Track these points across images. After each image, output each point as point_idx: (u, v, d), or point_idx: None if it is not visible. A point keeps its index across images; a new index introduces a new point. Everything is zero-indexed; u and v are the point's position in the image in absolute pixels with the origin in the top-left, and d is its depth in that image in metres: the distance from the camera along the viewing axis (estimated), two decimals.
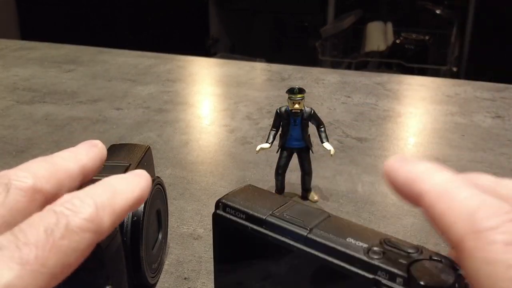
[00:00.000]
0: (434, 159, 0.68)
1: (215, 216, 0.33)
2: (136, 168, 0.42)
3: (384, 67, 1.94)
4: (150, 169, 0.46)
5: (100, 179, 0.39)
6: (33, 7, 2.51)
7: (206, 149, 0.71)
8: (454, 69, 1.96)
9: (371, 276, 0.26)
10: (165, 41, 2.35)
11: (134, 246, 0.39)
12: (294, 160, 0.55)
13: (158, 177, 0.43)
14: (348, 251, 0.27)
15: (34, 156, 0.70)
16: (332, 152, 0.52)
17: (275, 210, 0.31)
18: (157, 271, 0.43)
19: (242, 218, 0.31)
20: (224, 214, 0.33)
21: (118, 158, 0.42)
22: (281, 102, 0.88)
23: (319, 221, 0.29)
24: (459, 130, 0.78)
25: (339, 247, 0.27)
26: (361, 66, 1.98)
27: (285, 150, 0.54)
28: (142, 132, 0.76)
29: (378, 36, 1.98)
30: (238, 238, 0.32)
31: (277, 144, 0.55)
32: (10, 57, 1.17)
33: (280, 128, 0.54)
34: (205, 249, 0.48)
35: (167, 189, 0.46)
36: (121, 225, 0.38)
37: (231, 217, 0.32)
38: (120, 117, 0.82)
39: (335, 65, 2.01)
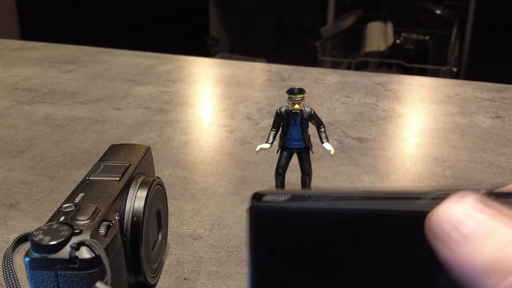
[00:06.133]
0: (434, 159, 0.68)
1: (253, 210, 0.26)
2: (136, 168, 0.42)
3: (384, 67, 1.94)
4: (150, 169, 0.46)
5: (99, 180, 0.39)
6: (33, 7, 2.51)
7: (206, 149, 0.71)
8: (454, 69, 1.96)
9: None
10: (165, 41, 2.35)
11: (134, 246, 0.39)
12: (294, 160, 0.55)
13: (158, 177, 0.43)
14: (409, 194, 0.24)
15: (34, 157, 0.70)
16: (332, 153, 0.52)
17: (313, 192, 0.27)
18: (157, 271, 0.43)
19: (286, 200, 0.25)
20: (264, 205, 0.26)
21: (118, 158, 0.42)
22: (281, 102, 0.88)
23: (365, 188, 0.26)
24: (459, 130, 0.78)
25: (400, 194, 0.24)
26: (361, 66, 1.98)
27: (285, 150, 0.54)
28: (142, 132, 0.76)
29: (378, 36, 1.98)
30: (282, 227, 0.26)
31: (277, 144, 0.55)
32: (10, 57, 1.17)
33: (280, 129, 0.54)
34: (205, 250, 0.48)
35: (167, 189, 0.46)
36: (121, 225, 0.38)
37: (272, 204, 0.26)
38: (120, 117, 0.82)
39: (335, 65, 2.01)
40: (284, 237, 0.25)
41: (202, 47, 2.53)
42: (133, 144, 0.46)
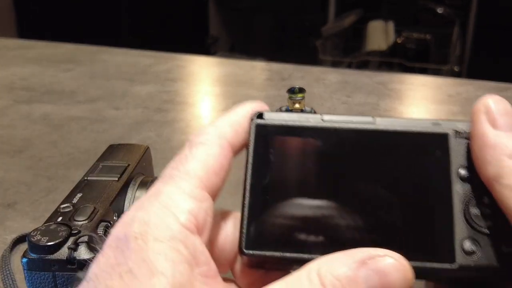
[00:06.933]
0: None
1: (256, 127, 0.28)
2: (135, 168, 0.41)
3: (385, 66, 1.94)
4: (149, 169, 0.45)
5: (97, 180, 0.38)
6: (31, 5, 2.51)
7: None
8: (456, 68, 1.96)
9: (450, 129, 0.26)
10: (164, 40, 2.35)
11: None
12: None
13: (157, 177, 0.43)
14: (421, 119, 0.27)
15: (32, 156, 0.69)
16: None
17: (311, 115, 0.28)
18: None
19: (292, 120, 0.27)
20: (266, 121, 0.28)
21: (116, 159, 0.42)
22: (281, 102, 0.87)
23: (372, 117, 0.28)
24: None
25: (411, 120, 0.27)
26: (362, 65, 1.98)
27: None
28: (141, 132, 0.75)
29: (379, 35, 1.98)
30: (285, 145, 0.27)
31: None
32: (8, 56, 1.17)
33: None
34: None
35: None
36: None
37: (277, 122, 0.28)
38: (119, 117, 0.81)
39: (335, 65, 2.01)
40: (282, 149, 0.27)
41: (201, 46, 2.53)
42: (132, 144, 0.45)
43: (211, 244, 0.26)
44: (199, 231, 0.23)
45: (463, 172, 0.26)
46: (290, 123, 0.27)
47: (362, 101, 0.89)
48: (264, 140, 0.27)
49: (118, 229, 0.23)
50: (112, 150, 0.44)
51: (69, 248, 0.30)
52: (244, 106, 0.28)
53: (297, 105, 0.51)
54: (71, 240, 0.31)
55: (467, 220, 0.25)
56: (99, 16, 2.47)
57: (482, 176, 0.24)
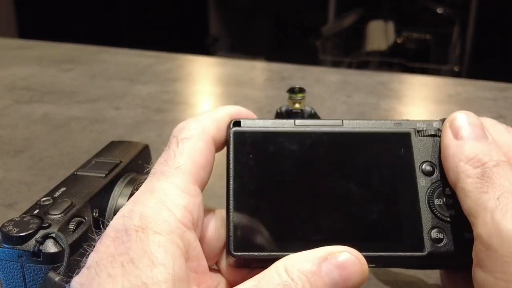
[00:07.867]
0: None
1: (234, 134, 0.30)
2: (127, 165, 0.41)
3: (385, 66, 1.94)
4: (146, 167, 0.45)
5: (85, 175, 0.38)
6: (31, 5, 2.51)
7: None
8: (456, 68, 1.96)
9: (411, 128, 0.29)
10: (164, 40, 2.34)
11: None
12: None
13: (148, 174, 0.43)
14: (384, 120, 0.29)
15: (33, 156, 0.69)
16: None
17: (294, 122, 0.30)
18: None
19: (267, 126, 0.30)
20: (243, 129, 0.30)
21: (112, 155, 0.42)
22: (281, 101, 0.87)
23: (341, 120, 0.30)
24: None
25: (375, 121, 0.29)
26: (362, 65, 1.98)
27: None
28: (141, 132, 0.75)
29: (379, 35, 1.98)
30: (262, 150, 0.29)
31: None
32: (8, 56, 1.17)
33: None
34: None
35: None
36: (101, 222, 0.38)
37: (253, 128, 0.30)
38: (119, 117, 0.81)
39: (335, 65, 2.01)
40: (259, 154, 0.29)
41: (201, 46, 2.53)
42: (131, 141, 0.45)
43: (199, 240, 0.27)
44: (194, 226, 0.24)
45: (425, 166, 0.28)
46: (265, 129, 0.29)
47: (362, 101, 0.89)
48: (242, 146, 0.29)
49: (117, 221, 0.23)
50: (111, 146, 0.44)
51: (36, 240, 0.31)
52: (227, 107, 0.30)
53: (297, 105, 0.51)
54: (40, 233, 0.31)
55: (432, 211, 0.27)
56: (99, 16, 2.47)
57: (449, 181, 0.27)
